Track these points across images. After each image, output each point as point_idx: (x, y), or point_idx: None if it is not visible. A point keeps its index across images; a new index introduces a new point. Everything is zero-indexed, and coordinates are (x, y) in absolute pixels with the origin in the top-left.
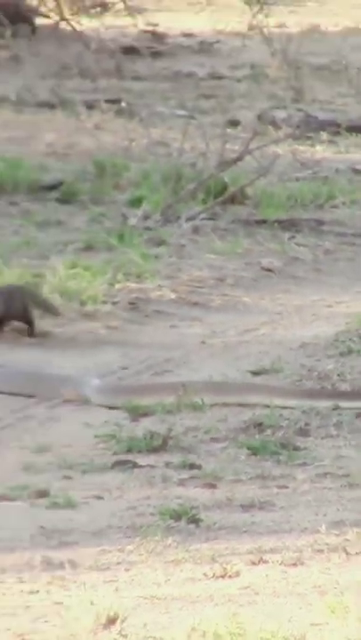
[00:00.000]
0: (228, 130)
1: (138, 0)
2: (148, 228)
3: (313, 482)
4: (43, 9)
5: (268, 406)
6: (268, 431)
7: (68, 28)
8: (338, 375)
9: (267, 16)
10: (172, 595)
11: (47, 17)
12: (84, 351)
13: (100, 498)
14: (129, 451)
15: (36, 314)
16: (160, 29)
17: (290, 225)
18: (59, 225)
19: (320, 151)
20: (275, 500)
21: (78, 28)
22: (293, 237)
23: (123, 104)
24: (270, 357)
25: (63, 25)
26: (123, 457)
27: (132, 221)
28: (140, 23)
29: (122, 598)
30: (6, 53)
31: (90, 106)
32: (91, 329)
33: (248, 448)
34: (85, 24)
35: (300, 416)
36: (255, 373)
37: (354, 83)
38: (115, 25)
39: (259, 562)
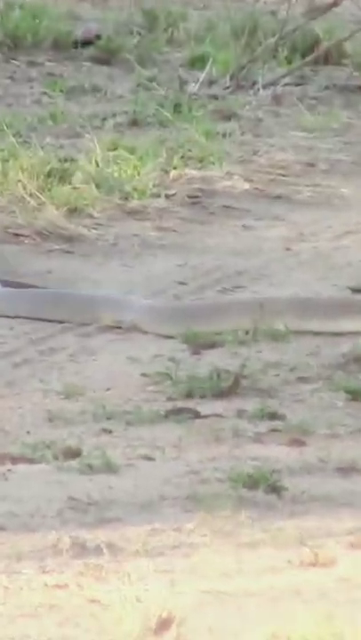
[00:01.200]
0: None
1: None
2: (213, 97)
3: None
4: None
5: None
6: None
7: None
8: None
9: None
10: (247, 589)
11: None
12: (128, 260)
13: (149, 459)
14: (188, 395)
15: None
16: None
17: None
18: (94, 92)
19: None
20: None
21: None
22: None
23: None
24: None
25: None
26: (180, 403)
27: (193, 87)
28: None
29: (179, 594)
30: None
31: None
32: (137, 231)
33: (347, 391)
34: None
35: None
36: (356, 290)
37: None
38: None
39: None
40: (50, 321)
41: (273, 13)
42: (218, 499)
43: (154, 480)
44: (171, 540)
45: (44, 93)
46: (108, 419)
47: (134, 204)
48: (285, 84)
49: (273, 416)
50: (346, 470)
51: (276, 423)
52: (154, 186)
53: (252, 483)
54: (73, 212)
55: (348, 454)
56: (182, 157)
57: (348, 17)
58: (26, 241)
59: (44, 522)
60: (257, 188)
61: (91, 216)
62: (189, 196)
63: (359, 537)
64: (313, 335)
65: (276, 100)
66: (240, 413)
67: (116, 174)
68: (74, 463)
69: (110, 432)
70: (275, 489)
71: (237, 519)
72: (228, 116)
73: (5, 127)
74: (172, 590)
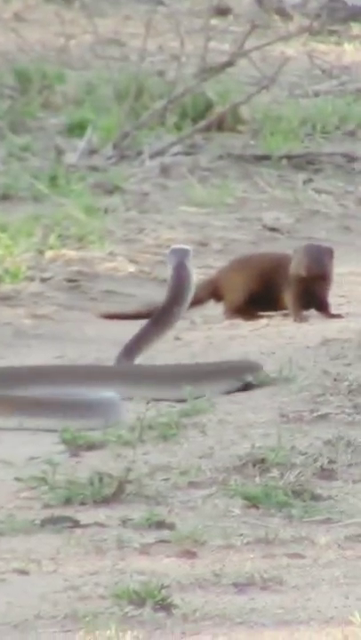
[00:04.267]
0: (214, 21)
1: None
2: (94, 168)
3: (342, 548)
4: None
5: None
6: (275, 471)
7: None
8: None
9: None
10: None
11: None
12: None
13: (23, 573)
14: (67, 502)
15: None
16: None
17: (305, 162)
18: None
19: (351, 52)
20: (284, 575)
21: None
22: (311, 181)
23: None
24: (279, 360)
25: None
26: (58, 511)
27: (71, 157)
28: None
29: None
30: None
31: None
32: (10, 318)
33: (244, 497)
34: None
35: (321, 448)
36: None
37: None
38: None
39: None
40: None
41: (160, 74)
42: (100, 618)
43: (28, 597)
44: None
45: None
46: None
47: (6, 288)
48: (175, 154)
49: (161, 525)
50: (242, 585)
51: (165, 533)
52: (28, 268)
53: (138, 599)
54: None
55: (244, 568)
56: (59, 236)
57: (244, 78)
58: None
59: None
60: (143, 271)
61: None
62: (68, 280)
63: None
64: (205, 435)
65: (165, 171)
66: (124, 522)
67: None
68: None
69: None
70: (163, 606)
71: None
72: (110, 190)
73: None
74: None
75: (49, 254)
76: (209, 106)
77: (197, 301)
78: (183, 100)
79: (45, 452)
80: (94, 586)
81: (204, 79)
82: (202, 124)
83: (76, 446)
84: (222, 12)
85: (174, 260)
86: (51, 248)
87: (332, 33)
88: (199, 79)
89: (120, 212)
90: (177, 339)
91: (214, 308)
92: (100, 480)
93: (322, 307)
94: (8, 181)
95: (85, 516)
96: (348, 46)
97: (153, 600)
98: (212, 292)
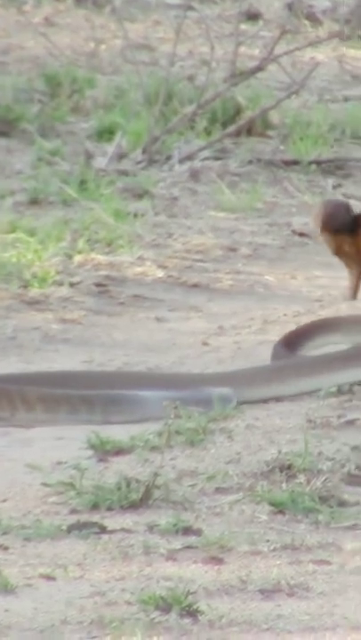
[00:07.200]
0: (244, 26)
1: None
2: (123, 173)
3: None
4: None
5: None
6: (301, 477)
7: None
8: None
9: None
10: None
11: None
12: (28, 356)
13: (49, 578)
14: (94, 507)
15: None
16: None
17: (335, 167)
18: None
19: None
20: (310, 582)
21: None
22: (340, 186)
23: None
24: None
25: None
26: (85, 517)
27: (100, 162)
28: None
29: None
30: None
31: None
32: (38, 323)
33: (271, 503)
34: None
35: (348, 454)
36: None
37: None
38: None
39: None
40: None
41: (190, 79)
42: (126, 623)
43: (55, 602)
44: None
45: None
46: (4, 534)
47: (34, 292)
48: (204, 159)
49: (188, 531)
50: (269, 592)
51: (192, 539)
52: (56, 273)
53: (164, 605)
54: None
55: (271, 574)
56: (88, 241)
57: (273, 83)
58: None
59: None
60: (172, 276)
61: None
62: (96, 285)
63: None
64: (232, 441)
65: (194, 176)
66: (151, 528)
67: (14, 259)
68: None
69: (6, 549)
70: (190, 612)
71: None
72: (139, 195)
73: None
74: None
75: (78, 259)
76: (239, 111)
77: None
78: (213, 105)
79: (73, 457)
80: (121, 591)
81: (234, 84)
82: (231, 128)
83: (104, 451)
84: (252, 16)
85: None
86: (79, 252)
87: None
88: (229, 84)
89: (149, 216)
90: (205, 344)
91: (244, 314)
92: (128, 485)
93: None
94: (37, 186)
95: (112, 521)
96: None
97: (179, 606)
98: None
